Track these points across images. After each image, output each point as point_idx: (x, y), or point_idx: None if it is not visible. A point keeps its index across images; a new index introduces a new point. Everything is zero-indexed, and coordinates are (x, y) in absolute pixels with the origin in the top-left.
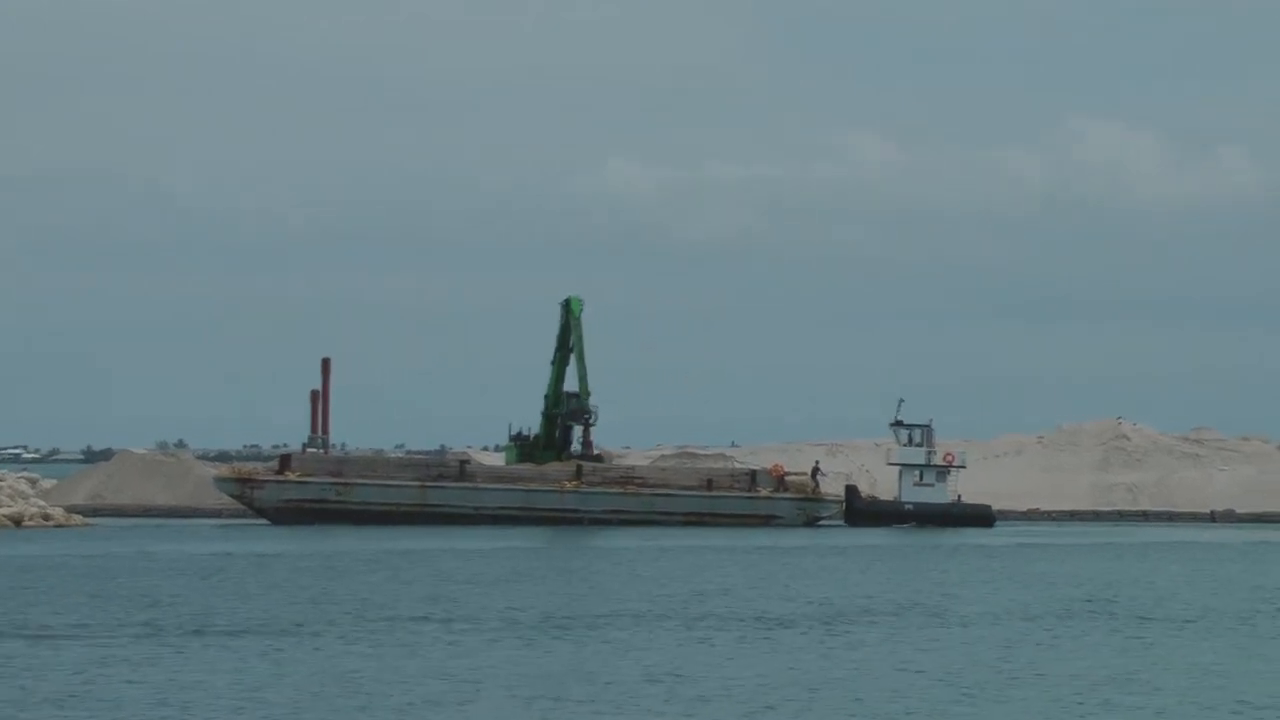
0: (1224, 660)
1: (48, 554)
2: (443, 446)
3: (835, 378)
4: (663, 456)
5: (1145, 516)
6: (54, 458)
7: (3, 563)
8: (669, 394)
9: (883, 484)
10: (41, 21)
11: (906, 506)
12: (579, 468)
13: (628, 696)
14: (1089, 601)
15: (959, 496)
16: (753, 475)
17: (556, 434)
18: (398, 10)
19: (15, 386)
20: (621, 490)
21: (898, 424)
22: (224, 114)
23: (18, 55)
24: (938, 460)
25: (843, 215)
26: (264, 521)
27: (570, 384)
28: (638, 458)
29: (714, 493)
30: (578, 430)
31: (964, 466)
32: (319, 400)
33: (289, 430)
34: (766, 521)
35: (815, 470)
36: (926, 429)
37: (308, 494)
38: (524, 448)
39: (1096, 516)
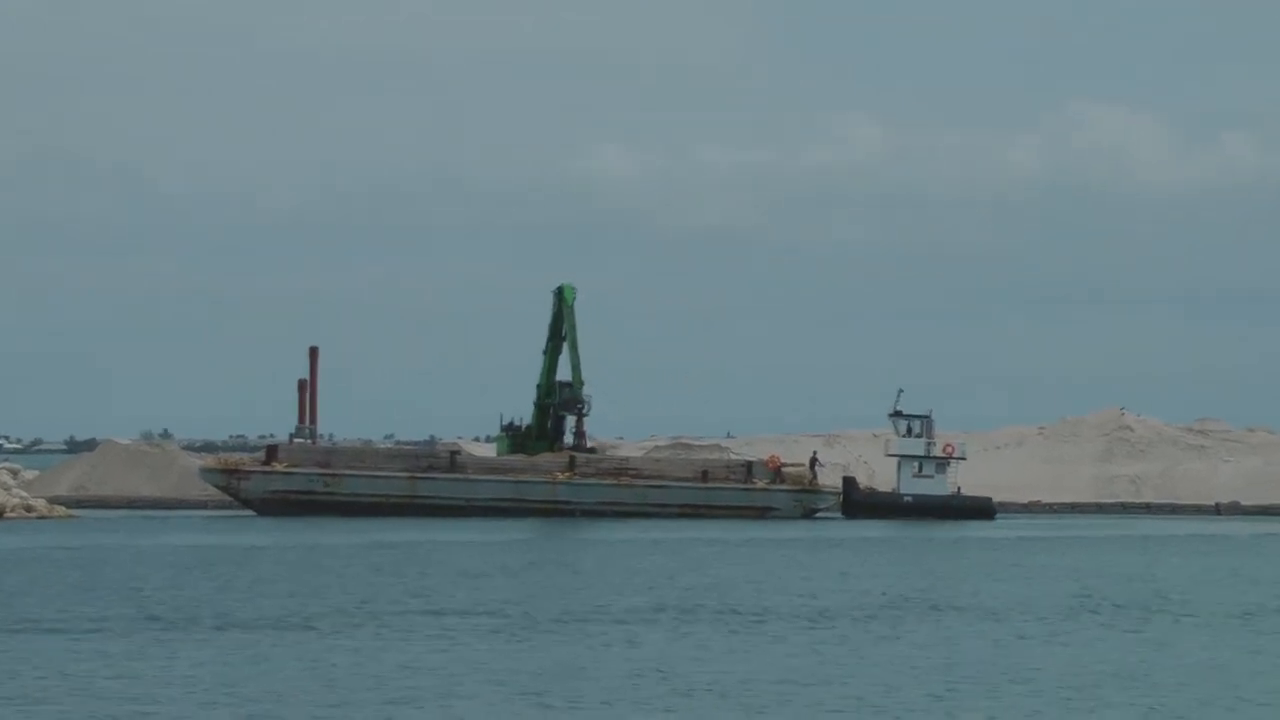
0: (1224, 656)
1: (30, 546)
2: (433, 437)
3: (832, 369)
4: (657, 447)
5: (1149, 509)
6: (36, 448)
7: None
8: (663, 384)
9: (881, 475)
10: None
11: (905, 499)
12: (572, 459)
13: (614, 692)
14: (1087, 597)
15: (959, 489)
16: (749, 466)
17: (549, 424)
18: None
19: None
20: (615, 482)
21: (897, 414)
22: (218, 107)
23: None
24: (937, 452)
25: (840, 202)
26: (250, 513)
27: (563, 373)
28: (631, 449)
29: (709, 484)
30: (570, 421)
31: (964, 458)
32: (306, 390)
33: (276, 420)
34: (763, 514)
35: (813, 461)
36: (926, 420)
37: (295, 485)
38: (516, 438)
39: (1099, 509)
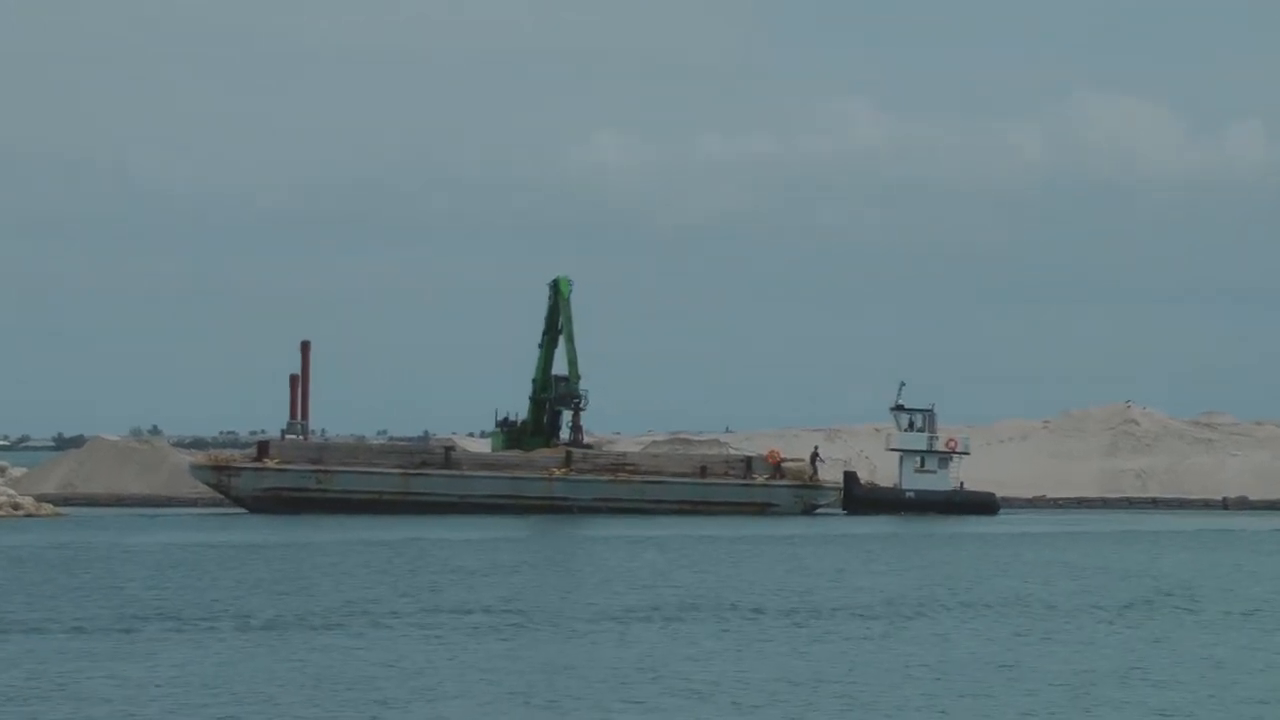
0: (1230, 652)
1: (18, 544)
2: (427, 433)
3: (833, 362)
4: (655, 443)
5: (1155, 504)
6: (24, 445)
7: None
8: (661, 378)
9: (883, 470)
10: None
11: (907, 494)
12: (568, 454)
13: (606, 691)
14: (1087, 594)
15: (961, 484)
16: (748, 462)
17: (545, 419)
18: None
19: None
20: (612, 478)
21: (899, 408)
22: (218, 107)
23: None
24: (940, 446)
25: (840, 192)
26: (241, 510)
27: (559, 368)
28: (629, 444)
29: (708, 480)
30: (567, 416)
31: (967, 453)
32: (298, 385)
33: (267, 416)
34: (762, 509)
35: (814, 456)
36: (928, 414)
37: (287, 482)
38: (511, 434)
39: (1104, 504)
